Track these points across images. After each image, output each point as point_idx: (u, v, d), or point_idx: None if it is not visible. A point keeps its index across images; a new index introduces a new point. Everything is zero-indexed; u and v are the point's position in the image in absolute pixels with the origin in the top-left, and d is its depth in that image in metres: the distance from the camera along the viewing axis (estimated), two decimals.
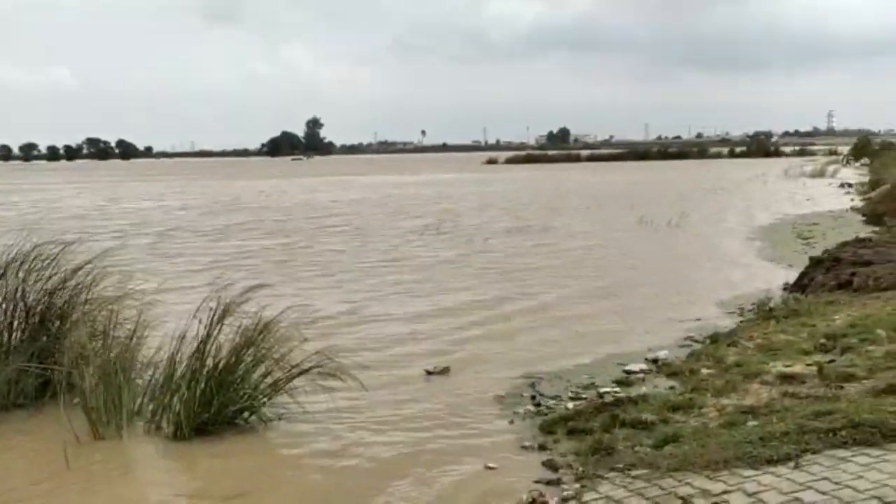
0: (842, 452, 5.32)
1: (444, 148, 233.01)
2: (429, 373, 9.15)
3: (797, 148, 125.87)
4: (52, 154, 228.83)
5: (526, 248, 21.38)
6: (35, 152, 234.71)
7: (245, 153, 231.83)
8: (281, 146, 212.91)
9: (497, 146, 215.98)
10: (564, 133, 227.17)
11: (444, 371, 9.17)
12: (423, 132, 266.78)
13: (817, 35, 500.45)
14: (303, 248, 22.44)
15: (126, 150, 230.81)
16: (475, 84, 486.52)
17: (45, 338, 8.29)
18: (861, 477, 4.90)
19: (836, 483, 4.86)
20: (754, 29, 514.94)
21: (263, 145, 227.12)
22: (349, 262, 19.18)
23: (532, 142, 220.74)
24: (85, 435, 6.99)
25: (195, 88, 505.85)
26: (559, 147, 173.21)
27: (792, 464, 5.24)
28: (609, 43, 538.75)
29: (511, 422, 7.37)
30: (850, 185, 41.98)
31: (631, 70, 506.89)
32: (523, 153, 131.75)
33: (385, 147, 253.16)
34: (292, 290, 13.92)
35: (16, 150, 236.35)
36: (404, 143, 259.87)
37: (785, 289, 13.29)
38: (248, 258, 20.10)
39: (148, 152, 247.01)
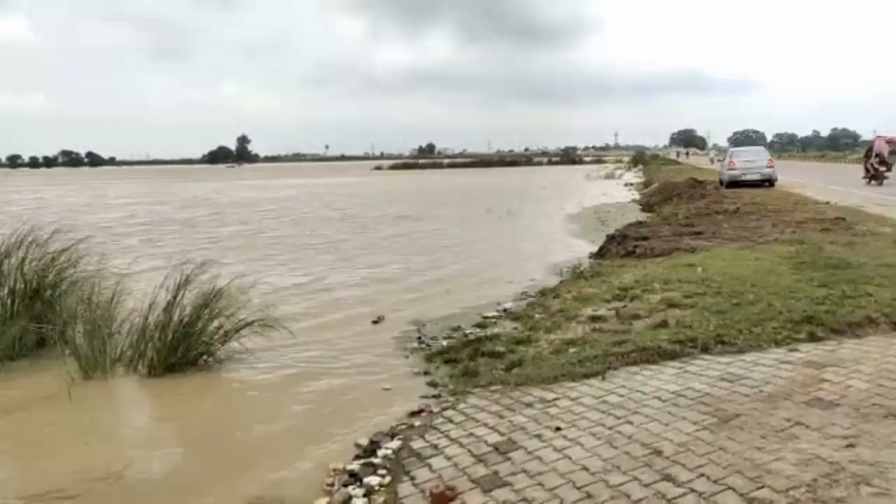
0: (633, 368, 5.57)
1: (343, 158, 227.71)
2: (374, 322, 9.03)
3: (594, 158, 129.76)
4: (34, 163, 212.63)
5: (408, 232, 21.24)
6: (19, 161, 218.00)
7: (190, 161, 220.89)
8: (218, 156, 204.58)
9: (382, 156, 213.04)
10: (431, 147, 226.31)
11: (381, 320, 9.10)
12: (327, 146, 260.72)
13: (608, 77, 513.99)
14: (253, 233, 21.61)
15: (94, 160, 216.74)
16: (366, 110, 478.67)
17: (39, 304, 7.85)
18: (646, 384, 5.16)
19: (630, 389, 5.10)
20: (565, 73, 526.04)
21: (204, 156, 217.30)
22: (282, 243, 18.68)
23: (407, 153, 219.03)
24: (78, 377, 6.67)
25: (148, 111, 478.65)
26: (427, 157, 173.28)
27: (600, 377, 5.43)
28: (463, 81, 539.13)
29: (407, 357, 7.36)
30: (631, 184, 43.47)
31: (479, 101, 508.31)
32: (401, 161, 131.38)
33: (297, 157, 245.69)
34: (244, 265, 13.33)
35: (3, 160, 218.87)
36: (312, 154, 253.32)
37: (590, 257, 13.52)
38: (214, 242, 19.12)
39: (112, 161, 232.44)
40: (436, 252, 16.17)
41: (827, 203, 16.93)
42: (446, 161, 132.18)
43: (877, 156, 23.76)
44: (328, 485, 4.33)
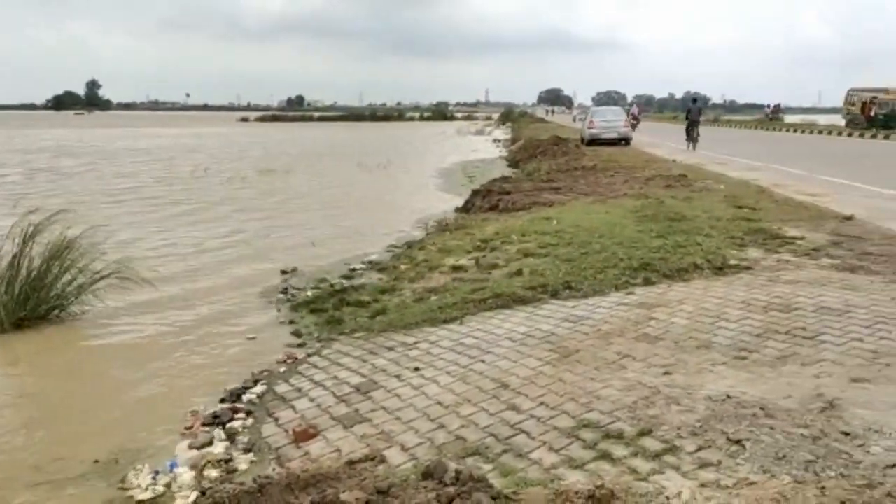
0: (489, 313, 5.94)
1: (206, 108, 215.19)
2: (283, 273, 9.01)
3: (466, 114, 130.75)
4: None
5: (277, 185, 20.88)
6: None
7: (32, 107, 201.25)
8: (64, 102, 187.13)
9: (248, 107, 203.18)
10: (300, 99, 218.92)
11: (294, 271, 9.07)
12: (188, 95, 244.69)
13: (482, 33, 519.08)
14: (117, 190, 20.30)
15: None
16: (231, 57, 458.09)
17: None
18: (500, 327, 5.56)
19: (485, 331, 5.48)
20: (439, 28, 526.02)
21: (48, 101, 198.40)
22: (155, 198, 17.81)
23: (275, 104, 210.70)
24: None
25: None
26: (297, 109, 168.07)
27: (458, 322, 5.77)
28: (337, 31, 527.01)
29: (274, 309, 7.36)
30: (499, 141, 44.46)
31: (352, 53, 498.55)
32: (269, 113, 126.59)
33: (155, 105, 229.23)
34: (109, 219, 12.63)
35: None
36: (172, 103, 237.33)
37: (456, 210, 13.87)
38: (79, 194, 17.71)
39: None
40: (305, 205, 16.07)
41: (673, 161, 18.26)
42: (317, 114, 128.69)
43: (631, 114, 38.03)
44: (186, 428, 4.42)
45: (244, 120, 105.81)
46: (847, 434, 3.36)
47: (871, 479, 2.94)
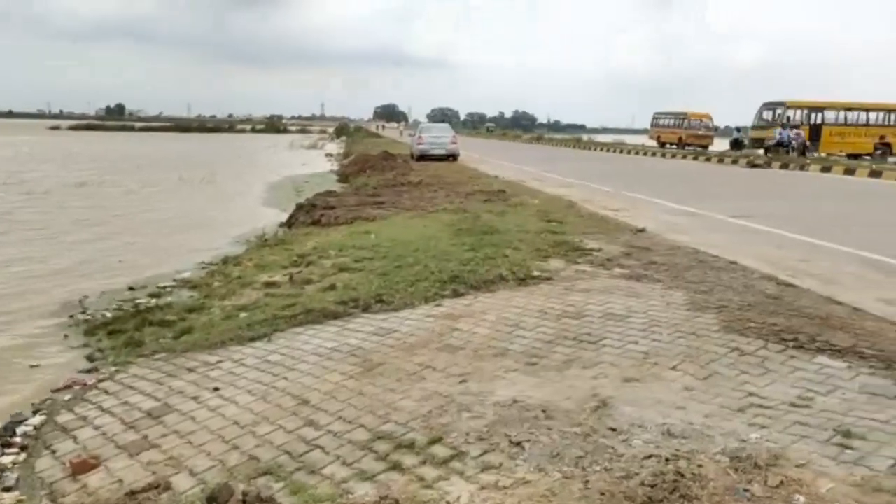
0: (299, 329, 5.84)
1: (10, 115, 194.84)
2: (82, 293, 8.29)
3: (300, 127, 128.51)
4: None
5: (86, 199, 19.42)
6: None
7: None
8: None
9: (61, 115, 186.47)
10: (121, 108, 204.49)
11: (98, 292, 8.40)
12: None
13: (318, 47, 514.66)
14: None
15: None
16: (40, 59, 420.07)
17: None
18: (308, 343, 5.49)
19: (292, 348, 5.39)
20: (275, 39, 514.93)
21: None
22: None
23: (93, 113, 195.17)
24: None
25: None
26: (117, 118, 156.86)
27: (266, 339, 5.64)
28: (163, 36, 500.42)
29: (66, 332, 6.87)
30: (332, 155, 44.19)
31: (179, 60, 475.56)
32: (85, 122, 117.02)
33: None
34: None
35: None
36: None
37: (280, 225, 13.68)
38: None
39: None
40: (116, 221, 15.07)
41: (495, 177, 19.04)
42: (139, 124, 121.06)
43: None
44: None
45: (55, 128, 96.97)
46: (614, 430, 3.65)
47: (629, 470, 3.21)
